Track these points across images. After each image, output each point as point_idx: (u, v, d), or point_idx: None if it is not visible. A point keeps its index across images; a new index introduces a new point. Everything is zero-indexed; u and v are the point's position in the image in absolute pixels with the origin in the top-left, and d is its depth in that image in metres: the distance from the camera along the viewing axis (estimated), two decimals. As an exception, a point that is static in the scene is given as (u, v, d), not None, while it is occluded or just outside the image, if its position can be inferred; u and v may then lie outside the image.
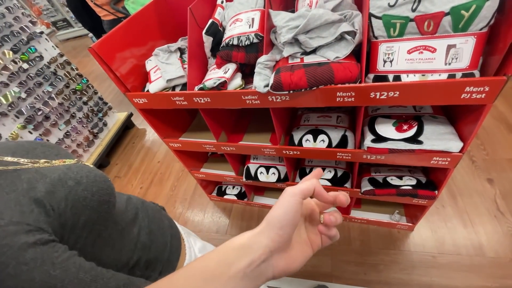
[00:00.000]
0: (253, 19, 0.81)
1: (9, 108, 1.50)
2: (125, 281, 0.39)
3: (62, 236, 0.35)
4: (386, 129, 0.82)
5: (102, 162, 1.97)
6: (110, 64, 0.92)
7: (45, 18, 5.17)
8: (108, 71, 0.92)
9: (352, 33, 0.71)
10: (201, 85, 0.84)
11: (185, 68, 0.91)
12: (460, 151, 0.76)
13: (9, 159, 0.38)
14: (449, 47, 0.59)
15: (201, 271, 0.27)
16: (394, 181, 0.99)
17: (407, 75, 0.65)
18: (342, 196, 0.33)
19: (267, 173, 1.24)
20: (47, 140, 1.70)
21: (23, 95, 1.57)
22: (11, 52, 1.53)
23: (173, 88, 0.93)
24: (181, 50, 1.00)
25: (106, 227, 0.43)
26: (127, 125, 2.29)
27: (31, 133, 1.62)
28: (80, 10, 2.13)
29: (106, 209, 0.43)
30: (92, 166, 0.46)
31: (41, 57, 1.69)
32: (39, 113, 1.65)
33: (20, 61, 1.58)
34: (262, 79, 0.76)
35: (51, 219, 0.34)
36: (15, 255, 0.29)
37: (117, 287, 0.37)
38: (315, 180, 0.32)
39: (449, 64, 0.61)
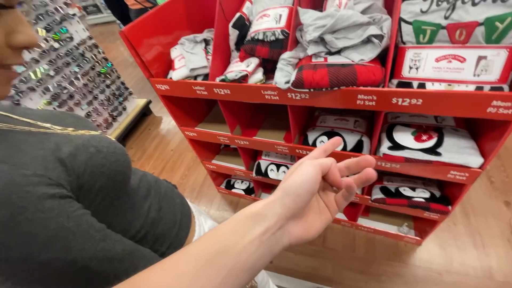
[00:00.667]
0: (280, 16, 0.82)
1: (38, 84, 1.57)
2: (131, 247, 0.41)
3: (78, 196, 0.38)
4: (404, 137, 0.81)
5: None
6: (137, 48, 0.95)
7: (77, 2, 5.37)
8: (135, 55, 0.95)
9: (380, 37, 0.71)
10: (222, 77, 0.85)
11: (209, 59, 0.93)
12: (480, 167, 0.74)
13: (43, 124, 0.41)
14: (480, 58, 0.58)
15: (214, 242, 0.26)
16: (406, 192, 0.97)
17: (433, 83, 0.64)
18: (370, 171, 0.31)
19: (277, 170, 1.24)
20: (69, 118, 1.77)
21: (52, 73, 1.64)
22: (44, 31, 1.60)
23: (195, 77, 0.95)
24: (206, 41, 1.02)
25: (118, 198, 0.45)
26: (145, 112, 2.35)
27: (55, 109, 1.69)
28: None
29: (121, 180, 0.45)
30: (113, 139, 0.49)
31: (71, 38, 1.76)
32: (65, 91, 1.72)
33: (52, 40, 1.64)
34: (284, 75, 0.77)
35: (71, 178, 0.37)
36: (34, 202, 0.31)
37: (123, 250, 0.39)
38: (333, 159, 0.32)
39: (478, 75, 0.59)
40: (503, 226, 1.21)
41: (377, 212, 1.32)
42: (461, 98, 0.61)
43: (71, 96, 1.76)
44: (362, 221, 1.29)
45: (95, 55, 1.92)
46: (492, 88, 0.59)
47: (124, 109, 2.16)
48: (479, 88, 0.60)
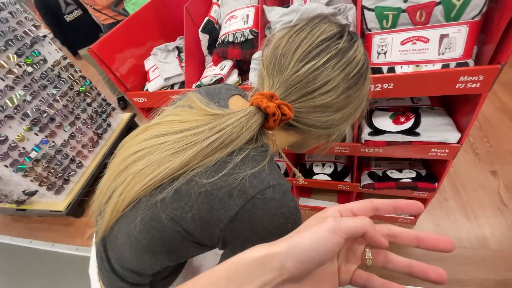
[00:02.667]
0: (247, 15, 0.82)
1: (15, 110, 1.53)
2: None
3: None
4: (383, 122, 0.82)
5: (107, 162, 2.01)
6: (110, 64, 0.94)
7: (49, 23, 5.26)
8: (108, 71, 0.94)
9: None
10: (198, 83, 0.85)
11: (183, 66, 0.93)
12: (458, 142, 0.75)
13: None
14: (442, 36, 0.59)
15: None
16: (393, 174, 0.99)
17: (401, 66, 0.65)
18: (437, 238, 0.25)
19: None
20: (53, 142, 1.74)
21: (28, 98, 1.61)
22: (15, 56, 1.56)
23: (172, 86, 0.94)
24: (179, 49, 1.02)
25: None
26: (131, 126, 2.32)
27: (37, 134, 1.66)
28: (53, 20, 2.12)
29: None
30: None
31: (44, 60, 1.72)
32: (44, 115, 1.69)
33: (24, 65, 1.61)
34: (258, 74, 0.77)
35: None
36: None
37: None
38: (368, 220, 0.25)
39: (443, 54, 0.61)
40: (492, 196, 1.24)
41: (369, 197, 1.33)
42: (429, 78, 0.62)
43: (51, 119, 1.72)
44: (357, 208, 1.30)
45: (71, 74, 1.89)
46: (458, 65, 0.60)
47: (109, 125, 2.13)
48: (446, 66, 0.61)
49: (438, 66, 0.62)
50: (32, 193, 1.80)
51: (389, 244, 0.27)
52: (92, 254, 0.58)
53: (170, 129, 0.41)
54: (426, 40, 0.61)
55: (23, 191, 1.79)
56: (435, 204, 1.26)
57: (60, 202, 1.80)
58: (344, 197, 1.35)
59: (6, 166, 1.50)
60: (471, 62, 0.60)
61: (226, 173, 0.37)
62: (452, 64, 0.61)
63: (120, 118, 2.26)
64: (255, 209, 0.37)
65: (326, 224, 0.24)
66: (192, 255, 0.48)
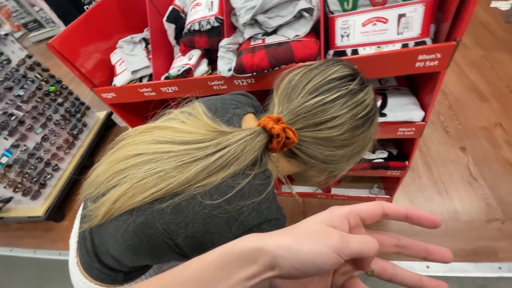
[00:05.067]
0: (212, 2, 0.80)
1: (-21, 115, 1.45)
2: None
3: None
4: (352, 104, 0.84)
5: (85, 163, 1.95)
6: (73, 60, 0.90)
7: (15, 21, 4.94)
8: (71, 67, 0.90)
9: (311, 10, 0.71)
10: (166, 74, 0.83)
11: (151, 58, 0.90)
12: (423, 120, 0.78)
13: None
14: (400, 16, 0.60)
15: (197, 276, 0.23)
16: (367, 155, 1.02)
17: (364, 48, 0.66)
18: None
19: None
20: (25, 145, 1.66)
21: (-7, 101, 1.52)
22: (-26, 57, 1.47)
23: (141, 79, 0.92)
24: (146, 41, 0.98)
25: None
26: (108, 124, 2.25)
27: (6, 139, 1.58)
28: None
29: None
30: None
31: (8, 60, 1.63)
32: (13, 118, 1.61)
33: (-14, 66, 1.52)
34: (226, 62, 0.76)
35: None
36: None
37: None
38: (376, 248, 0.23)
39: (401, 33, 0.62)
40: (462, 170, 1.31)
41: (349, 180, 1.37)
42: (390, 58, 0.63)
43: (21, 122, 1.64)
44: (336, 191, 1.34)
45: (39, 73, 1.80)
46: (416, 43, 0.62)
47: (85, 125, 2.06)
48: (405, 46, 0.63)
49: (398, 46, 0.63)
50: (7, 200, 1.73)
51: (369, 225, 0.26)
52: (76, 226, 0.59)
53: (174, 138, 0.41)
54: (385, 21, 0.62)
55: (-3, 199, 1.72)
56: (409, 181, 1.32)
57: (38, 207, 1.74)
58: (324, 181, 1.38)
59: (-26, 173, 1.43)
60: (428, 40, 0.62)
61: (228, 198, 0.38)
62: (411, 44, 0.62)
63: (97, 117, 2.19)
64: None
65: (331, 241, 0.22)
66: (174, 261, 0.48)
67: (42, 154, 1.76)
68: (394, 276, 0.26)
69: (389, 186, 1.26)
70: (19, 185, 1.61)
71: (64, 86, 1.94)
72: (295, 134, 0.41)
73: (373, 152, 1.03)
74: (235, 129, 0.42)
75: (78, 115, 2.01)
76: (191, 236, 0.39)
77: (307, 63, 0.47)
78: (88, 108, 2.11)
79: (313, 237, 0.23)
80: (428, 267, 1.10)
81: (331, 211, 0.26)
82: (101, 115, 2.20)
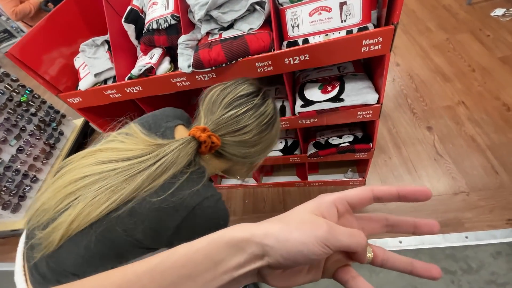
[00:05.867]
0: (167, 1, 0.81)
1: None
2: None
3: None
4: (312, 93, 0.87)
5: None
6: (35, 67, 0.90)
7: (-18, 32, 4.75)
8: (33, 75, 0.90)
9: (263, 3, 0.74)
10: (129, 75, 0.84)
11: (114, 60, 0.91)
12: (378, 102, 0.82)
13: None
14: (341, 4, 0.64)
15: (184, 262, 0.23)
16: (334, 141, 1.06)
17: (314, 37, 0.70)
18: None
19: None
20: (0, 158, 1.63)
21: (-40, 115, 1.48)
22: None
23: (105, 82, 0.92)
24: (108, 43, 0.98)
25: None
26: (86, 131, 2.22)
27: (-22, 153, 1.54)
28: None
29: None
30: None
31: (-27, 73, 1.59)
32: (-17, 131, 1.57)
33: (-51, 79, 1.47)
34: (186, 59, 0.78)
35: None
36: None
37: None
38: (364, 242, 0.23)
39: (345, 21, 0.65)
40: (429, 149, 1.38)
41: (325, 166, 1.42)
42: (337, 45, 0.67)
43: (-7, 135, 1.61)
44: (313, 178, 1.39)
45: (9, 84, 1.75)
46: (359, 29, 0.66)
47: (61, 133, 2.03)
48: (349, 32, 0.66)
49: (343, 33, 0.67)
50: (-14, 215, 1.69)
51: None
52: (18, 260, 0.59)
53: (117, 157, 0.48)
54: (329, 9, 0.65)
55: (-25, 215, 1.67)
56: (381, 163, 1.38)
57: (19, 220, 1.71)
58: (301, 170, 1.42)
59: None
60: (371, 26, 0.66)
61: (172, 192, 0.46)
62: (355, 30, 0.66)
63: (74, 125, 2.15)
64: (196, 217, 0.48)
65: (318, 232, 0.22)
66: (139, 257, 0.53)
67: (19, 166, 1.72)
68: (385, 261, 0.26)
69: (362, 168, 1.31)
70: (-3, 199, 1.58)
71: (36, 96, 1.90)
72: (218, 139, 0.52)
73: (340, 137, 1.07)
74: (169, 140, 0.51)
75: (54, 124, 1.98)
76: (148, 228, 0.47)
77: (223, 82, 0.59)
78: (63, 116, 2.07)
79: (301, 227, 0.23)
80: (400, 242, 1.16)
81: (319, 199, 0.26)
82: (78, 122, 2.17)
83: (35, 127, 1.85)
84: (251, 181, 1.53)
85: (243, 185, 1.54)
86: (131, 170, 0.46)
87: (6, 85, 1.75)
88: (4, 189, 1.63)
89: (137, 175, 0.45)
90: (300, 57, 0.71)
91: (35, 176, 1.80)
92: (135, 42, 0.93)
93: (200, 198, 0.48)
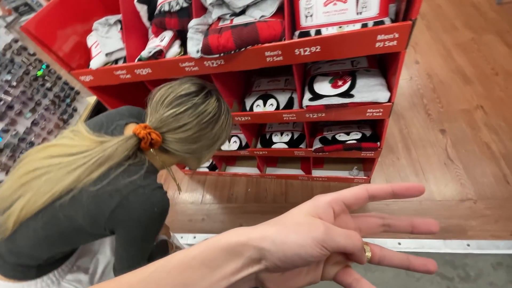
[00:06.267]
0: (180, -17, 0.80)
1: (-33, 99, 1.47)
2: None
3: None
4: (322, 86, 0.85)
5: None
6: (49, 43, 0.91)
7: (5, 4, 4.84)
8: (47, 51, 0.91)
9: (277, -10, 0.72)
10: (139, 56, 0.84)
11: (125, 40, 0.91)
12: (389, 101, 0.80)
13: None
14: (358, -4, 0.61)
15: (181, 270, 0.22)
16: (341, 137, 1.04)
17: (327, 28, 0.67)
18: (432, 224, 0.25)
19: (229, 141, 1.28)
20: (15, 130, 1.69)
21: (-20, 86, 1.53)
22: (-41, 41, 1.47)
23: (116, 62, 0.93)
24: (121, 23, 0.98)
25: None
26: (99, 109, 2.26)
27: (-5, 123, 1.60)
28: None
29: None
30: None
31: (-7, 44, 1.63)
32: (1, 103, 1.62)
33: (-29, 50, 1.52)
34: (195, 44, 0.77)
35: None
36: None
37: None
38: (360, 243, 0.23)
39: (360, 13, 0.63)
40: (440, 152, 1.34)
41: (330, 162, 1.40)
42: (350, 38, 0.64)
43: (10, 107, 1.66)
44: (317, 173, 1.38)
45: (26, 58, 1.80)
46: (375, 23, 0.63)
47: (75, 110, 2.08)
48: (364, 26, 0.64)
49: (358, 26, 0.64)
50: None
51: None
52: None
53: (64, 151, 0.54)
54: (345, 0, 0.62)
55: (-9, 182, 1.76)
56: (388, 163, 1.35)
57: (32, 190, 1.79)
58: (305, 164, 1.41)
59: (-34, 156, 1.47)
60: (387, 20, 0.63)
61: (108, 181, 0.51)
62: (370, 23, 0.63)
63: (87, 102, 2.20)
64: (129, 203, 0.52)
65: (315, 233, 0.22)
66: (86, 241, 0.63)
67: (33, 139, 1.79)
68: (382, 259, 0.26)
69: (368, 167, 1.29)
70: (12, 169, 1.65)
71: (52, 71, 1.94)
72: (158, 136, 0.56)
73: (347, 133, 1.05)
74: (113, 137, 0.55)
75: (68, 100, 2.02)
76: (87, 214, 0.52)
77: (170, 82, 0.61)
78: (77, 93, 2.11)
79: (298, 229, 0.23)
80: (399, 243, 1.16)
81: (315, 200, 0.26)
82: (91, 100, 2.22)
83: (50, 102, 1.90)
84: (255, 171, 1.54)
85: (246, 174, 1.55)
86: (73, 164, 0.51)
87: (24, 59, 1.79)
88: (17, 159, 1.70)
89: (77, 169, 0.51)
90: (311, 49, 0.69)
91: (48, 149, 1.87)
92: (147, 23, 0.92)
93: (134, 186, 0.53)
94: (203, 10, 0.82)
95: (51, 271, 0.64)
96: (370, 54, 0.68)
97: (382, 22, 0.62)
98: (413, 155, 1.35)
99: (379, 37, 0.63)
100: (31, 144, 1.76)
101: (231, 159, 1.66)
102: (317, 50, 0.69)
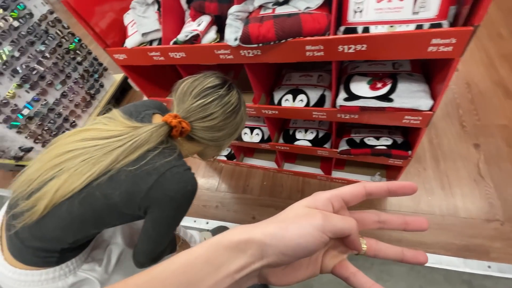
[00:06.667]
0: (225, -34, 0.77)
1: (4, 66, 1.52)
2: None
3: None
4: (359, 87, 0.81)
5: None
6: (88, 18, 0.91)
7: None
8: (85, 26, 0.92)
9: (326, -19, 0.68)
10: (174, 39, 0.83)
11: (162, 21, 0.90)
12: (430, 110, 0.75)
13: None
14: (418, -6, 0.56)
15: (185, 269, 0.23)
16: (370, 141, 1.01)
17: (376, 26, 0.63)
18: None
19: (251, 133, 1.26)
20: (45, 100, 1.75)
21: (17, 54, 1.58)
22: (0, 9, 1.51)
23: (150, 43, 0.92)
24: (159, 3, 0.97)
25: None
26: (124, 87, 2.31)
27: (28, 92, 1.66)
28: None
29: None
30: None
31: (31, 15, 1.66)
32: (34, 72, 1.68)
33: (10, 18, 1.56)
34: (233, 31, 0.75)
35: None
36: None
37: None
38: (355, 224, 0.24)
39: (417, 13, 0.58)
40: (471, 167, 1.27)
41: (352, 164, 1.37)
42: (401, 39, 0.60)
43: (42, 77, 1.71)
44: (338, 174, 1.35)
45: (60, 30, 1.83)
46: (432, 26, 0.58)
47: (102, 86, 2.12)
48: (419, 27, 0.59)
49: (412, 27, 0.60)
50: (28, 150, 1.86)
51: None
52: None
53: (98, 135, 0.56)
54: (402, -2, 0.58)
55: (20, 148, 1.85)
56: (413, 172, 1.30)
57: (56, 159, 1.86)
58: (325, 163, 1.39)
59: (-1, 122, 1.54)
60: (445, 23, 0.58)
61: (146, 162, 0.54)
62: (426, 25, 0.59)
63: (113, 79, 2.24)
64: (166, 180, 0.55)
65: (314, 221, 0.23)
66: (114, 224, 0.65)
67: (61, 110, 1.85)
68: (378, 252, 0.27)
69: (392, 174, 1.25)
70: (39, 137, 1.73)
71: (83, 45, 1.98)
72: (188, 124, 0.61)
73: (377, 138, 1.01)
74: (145, 124, 0.59)
75: (96, 76, 2.07)
76: (124, 192, 0.54)
77: (193, 75, 0.66)
78: (105, 69, 2.15)
79: (297, 220, 0.23)
80: (416, 256, 1.12)
81: (315, 196, 0.27)
82: (118, 77, 2.25)
83: (79, 76, 1.94)
84: (272, 165, 1.53)
85: (263, 167, 1.54)
86: (109, 146, 0.54)
87: (57, 31, 1.83)
88: (46, 129, 1.77)
89: (114, 150, 0.53)
90: (357, 47, 0.65)
91: (74, 121, 1.93)
92: (184, 6, 0.91)
93: (170, 165, 0.56)
94: (244, -4, 0.80)
95: (70, 258, 0.65)
96: (420, 58, 0.63)
97: (439, 25, 0.58)
98: (441, 167, 1.29)
99: (434, 41, 0.59)
100: (59, 115, 1.83)
101: (249, 150, 1.65)
102: (363, 48, 0.65)
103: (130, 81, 2.37)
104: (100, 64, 2.11)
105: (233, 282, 0.23)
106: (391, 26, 0.62)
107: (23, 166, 1.96)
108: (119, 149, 0.53)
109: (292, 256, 0.23)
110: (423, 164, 1.32)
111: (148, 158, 0.55)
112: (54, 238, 0.58)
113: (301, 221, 0.23)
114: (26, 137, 1.66)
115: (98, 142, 0.54)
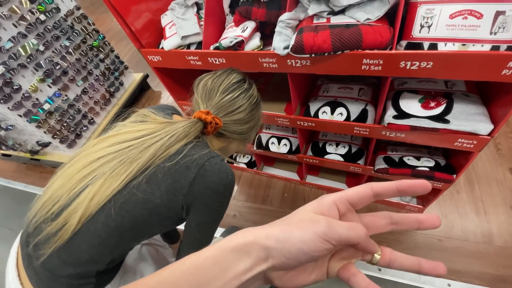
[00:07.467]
0: (278, -29, 0.74)
1: (28, 60, 1.51)
2: None
3: None
4: (410, 105, 0.77)
5: (118, 121, 2.01)
6: (125, 17, 0.89)
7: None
8: (122, 24, 0.89)
9: (389, -7, 0.64)
10: (216, 44, 0.79)
11: (202, 25, 0.86)
12: (489, 135, 0.70)
13: None
14: (498, 13, 0.52)
15: (194, 271, 0.23)
16: (411, 161, 0.95)
17: (445, 43, 0.59)
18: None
19: (279, 144, 1.22)
20: (66, 95, 1.73)
21: (41, 48, 1.57)
22: (28, 2, 1.50)
23: (188, 46, 0.89)
24: (198, 5, 0.94)
25: None
26: (143, 87, 2.29)
27: (50, 87, 1.65)
28: None
29: None
30: None
31: (57, 9, 1.65)
32: (57, 67, 1.66)
33: (37, 12, 1.55)
34: (283, 39, 0.71)
35: None
36: None
37: None
38: (363, 232, 0.23)
39: (495, 34, 0.54)
40: (507, 193, 1.21)
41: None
42: (474, 60, 0.56)
43: (64, 72, 1.70)
44: (364, 191, 1.29)
45: (85, 27, 1.82)
46: (509, 48, 0.54)
47: (121, 84, 2.10)
48: (495, 48, 0.54)
49: (487, 48, 0.55)
50: (46, 145, 1.84)
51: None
52: (12, 261, 0.60)
53: (130, 137, 0.53)
54: (480, 16, 0.53)
55: (37, 142, 1.83)
56: (446, 195, 1.24)
57: (72, 155, 1.84)
58: (352, 179, 1.33)
59: (20, 115, 1.52)
60: (527, 45, 0.53)
61: (183, 155, 0.53)
62: (503, 47, 0.54)
63: (133, 78, 2.22)
64: (206, 172, 0.54)
65: (317, 228, 0.23)
66: (152, 233, 0.61)
67: (81, 106, 1.83)
68: (393, 261, 0.26)
69: (425, 197, 1.19)
70: (58, 132, 1.70)
71: (106, 43, 1.96)
72: (220, 120, 0.60)
73: (418, 158, 0.96)
74: (178, 120, 0.59)
75: (116, 73, 2.05)
76: (165, 191, 0.52)
77: (211, 72, 0.66)
78: (126, 67, 2.14)
79: (301, 225, 0.23)
80: (449, 285, 1.06)
81: (320, 199, 0.26)
82: (138, 76, 2.24)
83: (100, 73, 1.93)
84: (294, 176, 1.48)
85: (284, 177, 1.49)
86: (145, 143, 0.52)
87: (83, 27, 1.82)
88: (64, 124, 1.75)
89: (151, 146, 0.52)
90: (422, 64, 0.61)
91: (92, 118, 1.91)
92: (227, 9, 0.87)
93: (208, 157, 0.55)
94: (295, 3, 0.76)
95: (107, 283, 0.60)
96: (491, 80, 0.58)
97: (520, 47, 0.53)
98: (475, 191, 1.23)
99: (510, 65, 0.54)
100: (78, 111, 1.81)
101: (269, 159, 1.61)
102: (428, 66, 0.61)
103: (149, 80, 2.35)
104: (122, 62, 2.10)
105: (240, 284, 0.23)
106: (463, 45, 0.57)
107: (38, 160, 1.94)
108: (157, 143, 0.52)
109: (295, 260, 0.23)
110: (456, 187, 1.26)
111: (185, 151, 0.54)
112: (90, 260, 0.52)
113: (304, 227, 0.23)
114: (44, 132, 1.64)
115: (131, 143, 0.52)
